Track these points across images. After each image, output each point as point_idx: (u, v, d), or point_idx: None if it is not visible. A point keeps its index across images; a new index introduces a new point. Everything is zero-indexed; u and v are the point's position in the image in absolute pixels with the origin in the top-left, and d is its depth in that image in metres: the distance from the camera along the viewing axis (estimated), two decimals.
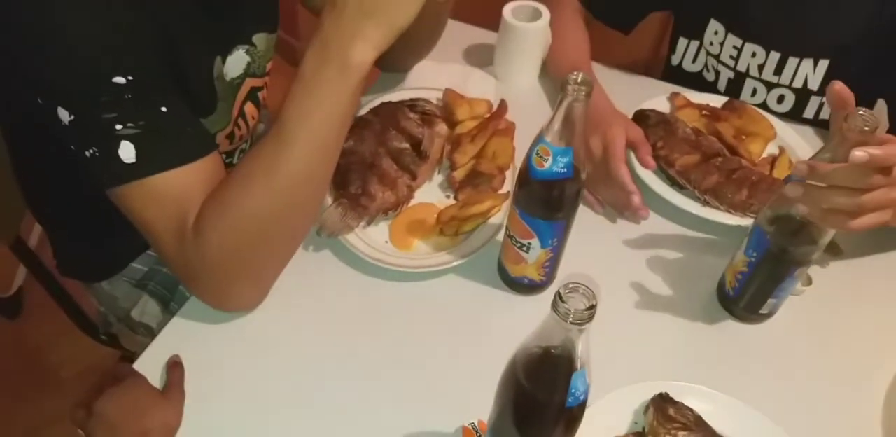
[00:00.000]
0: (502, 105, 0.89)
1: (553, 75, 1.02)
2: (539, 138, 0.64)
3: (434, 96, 0.92)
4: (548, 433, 0.53)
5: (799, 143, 0.94)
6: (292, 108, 0.61)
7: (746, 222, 0.84)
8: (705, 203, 0.87)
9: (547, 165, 0.63)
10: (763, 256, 0.72)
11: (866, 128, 0.60)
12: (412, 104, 0.88)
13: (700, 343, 0.78)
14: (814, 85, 0.96)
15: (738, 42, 0.97)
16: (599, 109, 0.88)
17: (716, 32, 0.99)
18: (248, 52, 0.79)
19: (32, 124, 0.71)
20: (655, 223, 0.87)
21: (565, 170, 0.63)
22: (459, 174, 0.86)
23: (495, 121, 0.87)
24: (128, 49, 0.60)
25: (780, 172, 0.90)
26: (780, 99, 1.00)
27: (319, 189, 0.67)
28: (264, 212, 0.64)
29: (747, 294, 0.77)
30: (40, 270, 0.97)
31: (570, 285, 0.46)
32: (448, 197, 0.87)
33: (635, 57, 1.59)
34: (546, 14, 0.95)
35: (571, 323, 0.46)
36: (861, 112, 0.60)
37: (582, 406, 0.52)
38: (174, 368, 0.69)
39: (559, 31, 0.99)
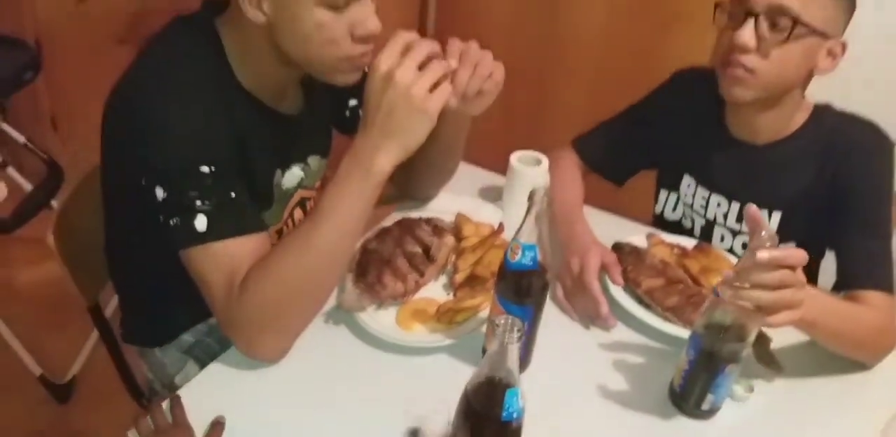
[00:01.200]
0: (500, 226, 1.10)
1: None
2: (513, 239, 0.84)
3: (448, 218, 1.15)
4: None
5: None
6: (326, 198, 0.82)
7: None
8: (666, 319, 1.02)
9: (518, 258, 0.83)
10: (698, 355, 0.87)
11: (769, 244, 0.78)
12: (427, 219, 1.11)
13: (653, 434, 0.90)
14: None
15: (706, 193, 1.17)
16: (581, 238, 1.09)
17: (689, 185, 1.20)
18: (302, 169, 1.03)
19: (131, 203, 0.90)
20: (623, 333, 1.03)
21: (531, 263, 0.83)
22: (460, 277, 1.05)
23: (493, 237, 1.08)
24: (214, 146, 0.83)
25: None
26: (745, 246, 1.17)
27: (338, 265, 0.87)
28: (294, 278, 0.82)
29: (690, 390, 0.89)
30: (108, 334, 1.16)
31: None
32: (448, 295, 1.05)
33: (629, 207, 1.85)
34: (545, 161, 1.19)
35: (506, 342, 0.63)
36: (763, 232, 0.79)
37: (518, 423, 0.66)
38: (216, 428, 0.81)
39: (559, 179, 1.21)
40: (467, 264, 1.06)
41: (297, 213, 1.07)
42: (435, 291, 1.05)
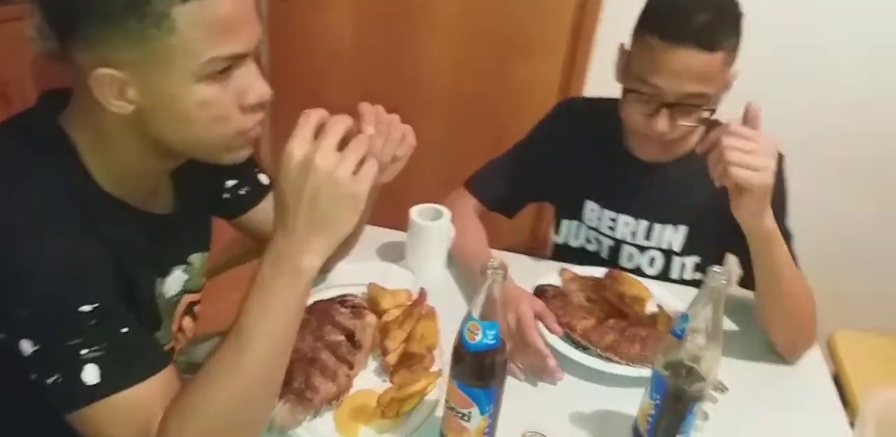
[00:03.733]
0: (422, 293, 1.01)
1: (459, 263, 1.18)
2: (468, 317, 0.76)
3: (359, 291, 1.04)
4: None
5: (671, 300, 1.12)
6: (250, 311, 0.68)
7: (644, 372, 0.97)
8: (608, 360, 1.00)
9: (478, 338, 0.75)
10: (665, 397, 0.84)
11: (724, 282, 0.77)
12: (342, 300, 0.99)
13: None
14: (677, 247, 1.19)
15: (614, 215, 1.20)
16: (506, 290, 1.03)
17: (592, 210, 1.22)
18: (185, 270, 0.87)
19: None
20: (570, 383, 0.98)
21: (494, 341, 0.75)
22: (392, 358, 0.95)
23: (418, 307, 0.98)
24: (90, 277, 0.67)
25: (661, 326, 1.06)
26: (651, 261, 1.21)
27: (276, 385, 0.73)
28: (226, 412, 0.68)
29: (659, 432, 0.87)
30: None
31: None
32: (384, 381, 0.94)
33: (518, 238, 1.86)
34: (447, 213, 1.13)
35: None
36: (716, 269, 0.78)
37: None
38: None
39: (461, 227, 1.18)
40: (397, 342, 0.95)
41: (187, 322, 0.90)
42: (368, 380, 0.94)
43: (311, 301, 1.00)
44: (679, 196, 1.14)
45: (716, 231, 1.14)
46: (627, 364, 0.99)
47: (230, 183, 0.97)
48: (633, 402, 0.92)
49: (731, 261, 1.13)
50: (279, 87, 0.77)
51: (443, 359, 0.95)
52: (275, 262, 0.68)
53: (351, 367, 0.92)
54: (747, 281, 1.15)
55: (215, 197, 0.96)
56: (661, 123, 1.00)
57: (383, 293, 1.02)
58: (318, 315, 0.95)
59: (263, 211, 0.99)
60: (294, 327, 0.71)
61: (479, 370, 0.77)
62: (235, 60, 0.69)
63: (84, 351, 0.65)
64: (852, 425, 0.98)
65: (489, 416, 0.81)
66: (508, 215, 1.29)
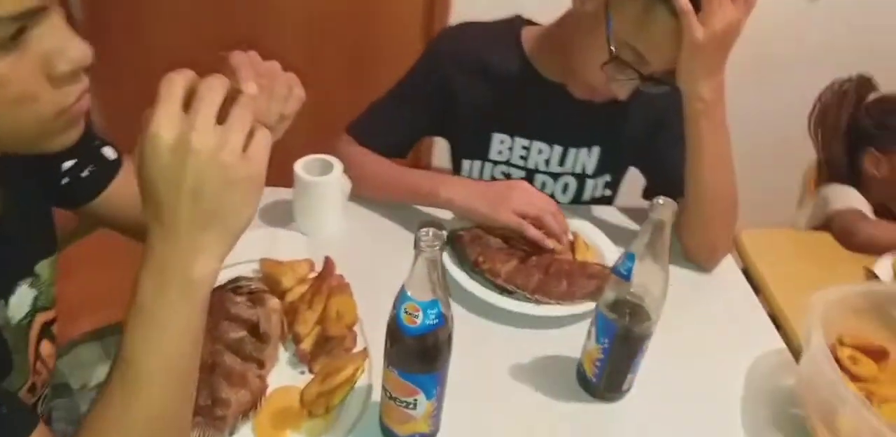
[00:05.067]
0: (328, 263, 0.87)
1: (384, 196, 1.07)
2: (402, 297, 0.63)
3: (250, 269, 0.88)
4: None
5: (585, 225, 1.06)
6: (134, 343, 0.53)
7: (576, 309, 0.92)
8: (537, 302, 0.93)
9: (419, 321, 0.63)
10: (613, 340, 0.78)
11: (670, 213, 0.69)
12: (235, 287, 0.82)
13: (576, 428, 0.81)
14: (590, 170, 1.12)
15: (526, 142, 1.10)
16: (491, 185, 1.01)
17: (501, 142, 1.11)
18: (32, 284, 0.68)
19: None
20: (503, 332, 0.91)
21: (437, 320, 0.64)
22: (307, 345, 0.81)
23: (326, 280, 0.84)
24: None
25: (580, 254, 1.01)
26: (565, 188, 1.14)
27: (185, 421, 0.59)
28: None
29: (608, 377, 0.82)
30: None
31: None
32: (303, 373, 0.81)
33: None
34: (338, 165, 0.97)
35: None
36: (660, 201, 0.70)
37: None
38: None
39: (361, 164, 1.06)
40: (310, 325, 0.82)
41: (45, 347, 0.71)
42: (283, 373, 0.80)
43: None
44: (593, 116, 1.06)
45: (626, 149, 1.10)
46: (558, 303, 0.93)
47: (67, 165, 0.75)
48: (570, 342, 0.88)
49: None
50: (96, 31, 0.56)
51: (365, 336, 0.83)
52: (156, 274, 0.52)
53: (261, 365, 0.77)
54: (650, 191, 1.13)
55: (51, 185, 0.74)
56: (629, 90, 0.94)
57: (281, 269, 0.86)
58: (212, 310, 0.77)
59: (117, 192, 0.79)
60: (195, 351, 0.56)
61: (423, 355, 0.66)
62: (29, 17, 0.48)
63: None
64: (778, 326, 0.99)
65: (437, 399, 0.71)
66: (402, 157, 1.15)
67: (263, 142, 0.52)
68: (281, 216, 1.02)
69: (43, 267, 0.70)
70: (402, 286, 0.64)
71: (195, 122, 0.49)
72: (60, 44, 0.50)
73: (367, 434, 0.75)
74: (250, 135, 0.51)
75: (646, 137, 1.08)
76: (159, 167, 0.50)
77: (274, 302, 0.82)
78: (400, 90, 1.12)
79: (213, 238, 0.52)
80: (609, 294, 0.77)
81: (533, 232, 0.95)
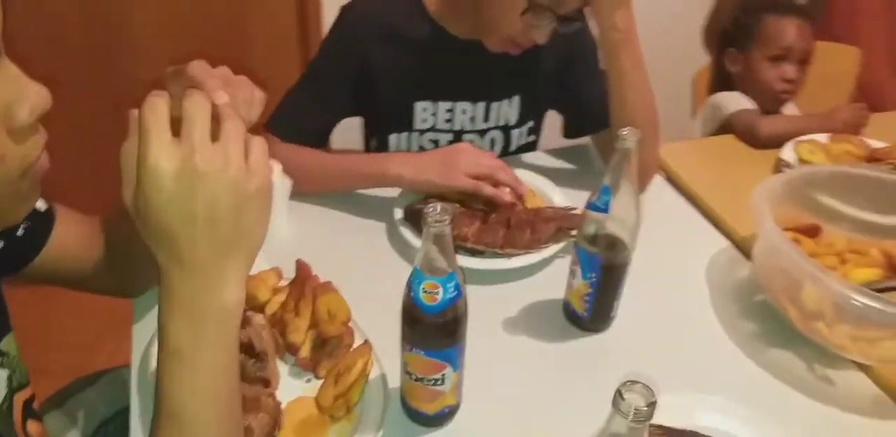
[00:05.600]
0: (301, 267, 0.82)
1: (327, 190, 1.05)
2: (416, 277, 0.62)
3: None
4: None
5: (523, 173, 1.07)
6: (183, 394, 0.49)
7: (545, 254, 0.94)
8: (508, 256, 0.94)
9: (440, 297, 0.62)
10: (601, 273, 0.81)
11: (634, 141, 0.71)
12: None
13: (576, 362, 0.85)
14: (513, 120, 1.14)
15: (450, 105, 1.09)
16: (438, 152, 1.01)
17: (424, 109, 1.09)
18: (2, 364, 0.59)
19: None
20: (484, 292, 0.90)
21: (456, 293, 0.63)
22: (305, 352, 0.78)
23: (306, 284, 0.80)
24: None
25: (530, 202, 1.03)
26: (493, 142, 1.15)
27: None
28: None
29: (600, 307, 0.85)
30: None
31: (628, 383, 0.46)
32: (309, 381, 0.78)
33: None
34: (276, 164, 0.92)
35: (633, 421, 0.46)
36: (624, 131, 0.72)
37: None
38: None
39: (303, 159, 1.02)
40: (303, 333, 0.78)
41: (33, 428, 0.62)
42: (290, 387, 0.77)
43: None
44: (508, 68, 1.06)
45: (543, 93, 1.12)
46: (527, 252, 0.94)
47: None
48: (546, 287, 0.91)
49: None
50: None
51: (361, 329, 0.81)
52: (187, 316, 0.49)
53: (267, 384, 0.73)
54: (569, 131, 1.16)
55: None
56: (548, 33, 0.95)
57: (251, 283, 0.81)
58: None
59: (59, 246, 0.71)
60: (236, 378, 0.52)
61: (447, 329, 0.65)
62: None
63: None
64: (716, 227, 1.07)
65: (461, 369, 0.71)
66: (325, 146, 1.12)
67: (262, 150, 0.49)
68: None
69: (7, 343, 0.61)
70: (415, 267, 0.62)
71: (194, 144, 0.45)
72: (17, 91, 0.43)
73: (396, 423, 0.74)
74: (246, 146, 0.47)
75: (559, 78, 1.10)
76: (167, 201, 0.46)
77: (259, 318, 0.76)
78: (314, 76, 1.07)
79: (237, 263, 0.49)
80: (588, 230, 0.79)
81: (489, 190, 0.95)
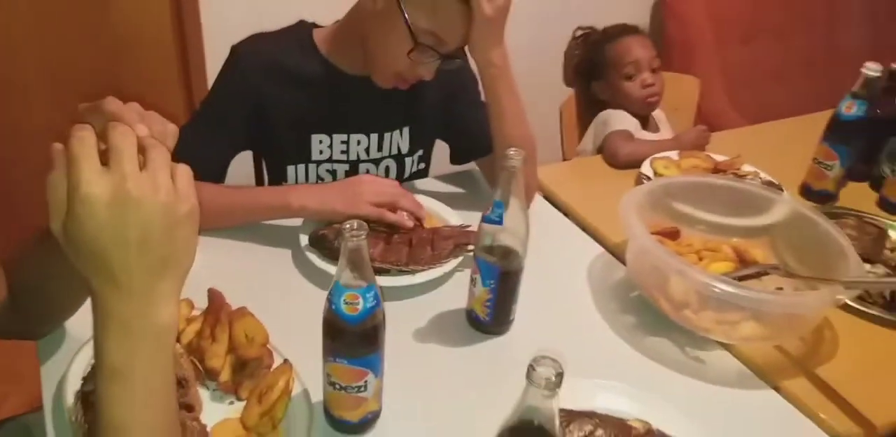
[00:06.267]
0: (214, 295, 0.84)
1: (230, 224, 1.08)
2: (336, 290, 0.67)
3: None
4: None
5: (421, 197, 1.13)
6: (122, 408, 0.51)
7: (446, 268, 1.02)
8: (413, 272, 1.01)
9: (360, 307, 0.67)
10: (499, 280, 0.90)
11: (520, 159, 0.81)
12: None
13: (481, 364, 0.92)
14: (405, 149, 1.21)
15: (344, 137, 1.15)
16: (332, 187, 1.08)
17: (321, 142, 1.14)
18: None
19: None
20: (392, 309, 0.97)
21: (375, 302, 0.68)
22: (225, 376, 0.80)
23: (221, 312, 0.82)
24: None
25: (429, 222, 1.10)
26: (387, 170, 1.21)
27: None
28: None
29: (500, 311, 0.94)
30: None
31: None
32: (232, 403, 0.80)
33: None
34: None
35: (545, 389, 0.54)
36: (511, 152, 0.81)
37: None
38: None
39: (207, 194, 1.00)
40: (222, 358, 0.80)
41: None
42: (214, 411, 0.78)
43: (82, 365, 0.76)
44: (397, 101, 1.14)
45: (430, 123, 1.21)
46: (430, 267, 1.01)
47: None
48: (449, 299, 0.98)
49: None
50: None
51: (278, 351, 0.84)
52: (123, 335, 0.50)
53: (191, 409, 0.75)
54: (456, 157, 1.26)
55: None
56: (433, 70, 1.03)
57: None
58: None
59: None
60: (174, 395, 0.55)
61: (368, 337, 0.71)
62: None
63: None
64: (590, 236, 1.19)
65: (381, 375, 0.76)
66: (221, 181, 1.13)
67: (187, 176, 0.52)
68: None
69: None
70: (335, 282, 0.67)
71: (124, 171, 0.48)
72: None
73: (321, 434, 0.78)
74: (172, 173, 0.51)
75: (444, 109, 1.20)
76: (100, 227, 0.48)
77: (176, 347, 0.78)
78: (207, 115, 1.10)
79: (169, 283, 0.52)
80: (485, 241, 0.88)
81: (392, 217, 1.02)
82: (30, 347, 0.88)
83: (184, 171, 0.52)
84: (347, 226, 0.63)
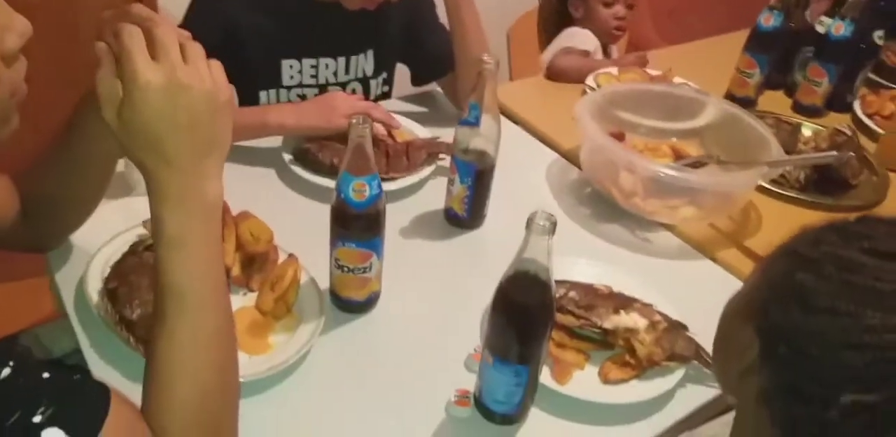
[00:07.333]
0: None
1: None
2: (344, 180, 0.76)
3: (136, 234, 0.88)
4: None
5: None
6: (181, 273, 0.58)
7: (422, 175, 1.12)
8: (393, 179, 1.10)
9: (367, 194, 0.76)
10: (476, 176, 1.00)
11: (494, 63, 0.90)
12: (145, 247, 0.84)
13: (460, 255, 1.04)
14: (369, 71, 1.28)
15: (313, 61, 1.20)
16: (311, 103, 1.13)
17: (291, 66, 1.19)
18: None
19: None
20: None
21: (378, 190, 0.78)
22: (236, 271, 0.88)
23: (227, 214, 0.89)
24: None
25: (400, 136, 1.19)
26: (354, 92, 1.28)
27: (235, 331, 0.66)
28: (204, 388, 0.59)
29: (476, 207, 1.05)
30: None
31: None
32: (245, 294, 0.89)
33: None
34: None
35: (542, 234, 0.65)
36: (485, 57, 0.90)
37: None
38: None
39: None
40: (231, 255, 0.87)
41: None
42: (232, 301, 0.85)
43: (99, 269, 0.83)
44: (362, 24, 1.19)
45: (393, 46, 1.27)
46: (408, 174, 1.11)
47: None
48: (426, 202, 1.08)
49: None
50: None
51: (282, 248, 0.93)
52: (179, 207, 0.58)
53: None
54: (417, 79, 1.33)
55: None
56: None
57: None
58: (135, 279, 0.80)
59: None
60: (223, 266, 0.63)
61: (373, 221, 0.80)
62: None
63: (37, 417, 0.48)
64: (547, 144, 1.30)
65: (382, 257, 0.86)
66: None
67: (220, 68, 0.59)
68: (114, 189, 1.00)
69: None
70: (343, 172, 0.76)
71: (173, 62, 0.55)
72: (6, 20, 0.50)
73: (329, 315, 0.87)
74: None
75: (405, 32, 1.27)
76: (155, 111, 0.55)
77: None
78: None
79: (214, 162, 0.59)
80: (462, 143, 0.97)
81: (379, 113, 1.11)
82: (38, 261, 0.93)
83: (217, 64, 0.59)
84: (354, 121, 0.72)
